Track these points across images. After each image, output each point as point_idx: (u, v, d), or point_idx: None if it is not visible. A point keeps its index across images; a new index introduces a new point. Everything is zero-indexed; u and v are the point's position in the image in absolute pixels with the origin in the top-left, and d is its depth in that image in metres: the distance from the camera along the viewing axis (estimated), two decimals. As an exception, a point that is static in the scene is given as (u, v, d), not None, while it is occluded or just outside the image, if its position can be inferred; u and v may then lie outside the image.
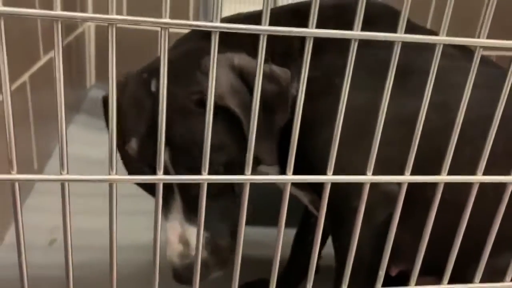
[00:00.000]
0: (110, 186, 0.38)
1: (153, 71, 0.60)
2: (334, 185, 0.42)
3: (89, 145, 1.35)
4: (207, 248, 0.57)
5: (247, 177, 0.39)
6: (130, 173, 0.60)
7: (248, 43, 0.57)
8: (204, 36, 0.57)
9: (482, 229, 0.49)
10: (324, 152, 0.41)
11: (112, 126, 0.36)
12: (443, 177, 0.43)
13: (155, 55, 0.66)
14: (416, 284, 0.50)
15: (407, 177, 0.43)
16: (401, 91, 0.43)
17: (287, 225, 0.48)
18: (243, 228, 0.41)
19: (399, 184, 0.60)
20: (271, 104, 0.57)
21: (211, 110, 0.37)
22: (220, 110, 0.55)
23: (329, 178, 0.41)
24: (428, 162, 0.46)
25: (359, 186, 0.57)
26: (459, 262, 0.48)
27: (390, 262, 0.68)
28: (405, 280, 0.79)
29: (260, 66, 0.36)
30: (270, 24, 0.35)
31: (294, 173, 0.40)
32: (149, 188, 0.61)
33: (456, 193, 0.47)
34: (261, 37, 0.35)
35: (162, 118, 0.37)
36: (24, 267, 0.40)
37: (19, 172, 0.36)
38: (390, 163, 0.47)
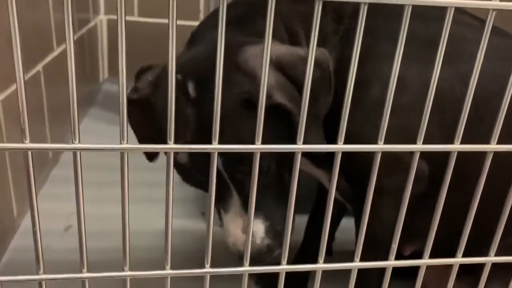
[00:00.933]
0: (122, 155, 0.38)
1: (189, 72, 0.57)
2: (363, 164, 0.43)
3: (103, 137, 1.36)
4: (269, 235, 0.61)
5: (299, 146, 0.40)
6: (186, 180, 0.62)
7: (277, 25, 0.56)
8: (230, 22, 0.57)
9: (497, 203, 0.48)
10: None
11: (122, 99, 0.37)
12: (456, 146, 0.43)
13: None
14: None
15: (419, 146, 0.42)
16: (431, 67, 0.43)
17: (299, 211, 0.49)
18: (293, 200, 0.43)
19: (426, 161, 0.60)
20: (315, 90, 0.54)
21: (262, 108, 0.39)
22: (269, 108, 0.53)
23: (340, 147, 0.41)
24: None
25: (388, 164, 0.55)
26: (472, 239, 0.48)
27: (404, 241, 0.68)
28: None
29: (313, 40, 0.36)
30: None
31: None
32: (202, 185, 0.62)
33: (472, 168, 0.46)
34: (317, 3, 0.34)
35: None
36: (39, 239, 0.40)
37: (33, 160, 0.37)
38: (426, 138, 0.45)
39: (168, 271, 0.43)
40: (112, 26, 1.72)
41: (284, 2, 0.59)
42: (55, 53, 1.18)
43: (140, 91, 0.59)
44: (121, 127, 0.37)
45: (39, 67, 1.06)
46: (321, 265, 0.46)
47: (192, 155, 0.56)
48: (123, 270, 0.42)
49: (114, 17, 1.37)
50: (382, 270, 0.49)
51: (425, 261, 0.48)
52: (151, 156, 0.66)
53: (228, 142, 0.49)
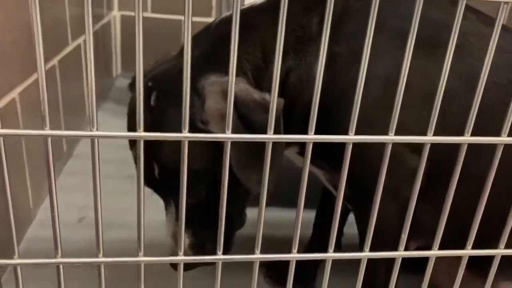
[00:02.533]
0: (139, 142, 0.39)
1: (157, 83, 0.61)
2: (362, 160, 0.43)
3: (116, 129, 1.39)
4: (192, 249, 0.65)
5: (270, 136, 0.40)
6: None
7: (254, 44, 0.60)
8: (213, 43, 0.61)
9: (507, 198, 0.49)
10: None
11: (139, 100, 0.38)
12: (467, 138, 0.43)
13: (180, 43, 0.66)
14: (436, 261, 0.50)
15: (429, 138, 0.42)
16: (429, 63, 0.43)
17: (305, 206, 0.49)
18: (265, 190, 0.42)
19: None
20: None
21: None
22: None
23: (351, 138, 0.41)
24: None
25: (389, 166, 0.58)
26: (480, 234, 0.48)
27: (409, 237, 0.68)
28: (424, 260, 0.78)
29: (276, 80, 0.36)
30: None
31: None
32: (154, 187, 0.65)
33: (481, 164, 0.46)
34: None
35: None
36: (57, 223, 0.41)
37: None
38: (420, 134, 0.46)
39: (181, 257, 0.43)
40: (125, 22, 1.74)
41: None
42: (70, 47, 1.20)
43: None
44: (138, 114, 0.39)
45: (54, 61, 1.08)
46: (331, 254, 0.46)
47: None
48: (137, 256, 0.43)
49: (128, 13, 1.41)
50: (390, 264, 0.49)
51: (435, 252, 0.48)
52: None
53: (166, 154, 0.57)
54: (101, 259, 0.43)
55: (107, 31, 1.67)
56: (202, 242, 0.65)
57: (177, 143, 0.40)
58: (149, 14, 1.72)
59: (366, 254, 0.47)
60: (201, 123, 0.57)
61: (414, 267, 0.66)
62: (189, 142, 0.39)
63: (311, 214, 0.88)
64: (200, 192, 0.61)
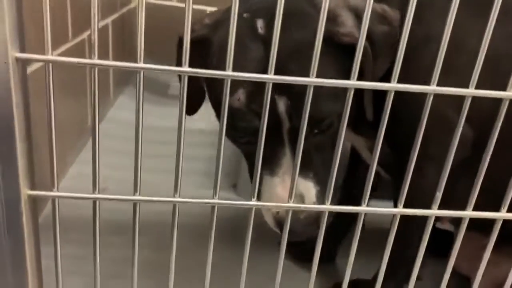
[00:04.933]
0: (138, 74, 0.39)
1: (257, 10, 0.55)
2: (410, 134, 0.43)
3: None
4: (320, 200, 0.55)
5: (352, 82, 0.41)
6: (237, 130, 0.55)
7: None
8: None
9: None
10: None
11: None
12: (509, 93, 0.43)
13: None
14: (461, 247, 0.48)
15: (471, 91, 0.42)
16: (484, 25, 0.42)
17: None
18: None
19: (472, 127, 0.59)
20: (381, 47, 0.56)
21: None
22: (345, 50, 0.52)
23: (392, 86, 0.41)
24: None
25: (434, 132, 0.57)
26: None
27: (446, 208, 0.67)
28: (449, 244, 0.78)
29: None
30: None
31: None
32: (249, 144, 0.57)
33: None
34: None
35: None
36: (97, 160, 0.42)
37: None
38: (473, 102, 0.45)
39: (177, 199, 0.43)
40: (148, 9, 1.75)
41: None
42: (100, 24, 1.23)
43: (196, 31, 0.58)
44: (185, 52, 0.39)
45: (85, 35, 1.10)
46: (364, 208, 0.46)
47: (250, 96, 0.52)
48: (173, 196, 0.43)
49: (154, 1, 1.42)
50: (422, 228, 0.48)
51: (469, 213, 0.48)
52: (190, 110, 0.65)
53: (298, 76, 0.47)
54: (137, 197, 0.43)
55: (133, 19, 1.70)
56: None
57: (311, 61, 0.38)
58: (174, 3, 1.74)
59: (399, 210, 0.47)
60: (344, 36, 0.54)
61: (440, 252, 0.66)
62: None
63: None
64: (332, 123, 0.55)
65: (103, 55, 1.30)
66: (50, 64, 0.38)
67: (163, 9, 1.71)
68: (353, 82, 0.41)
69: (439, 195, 0.47)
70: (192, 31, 0.59)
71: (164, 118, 1.23)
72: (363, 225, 0.88)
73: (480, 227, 0.51)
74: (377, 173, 0.76)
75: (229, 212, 1.01)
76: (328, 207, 0.46)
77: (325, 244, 0.84)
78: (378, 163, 0.72)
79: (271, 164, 0.55)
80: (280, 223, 0.54)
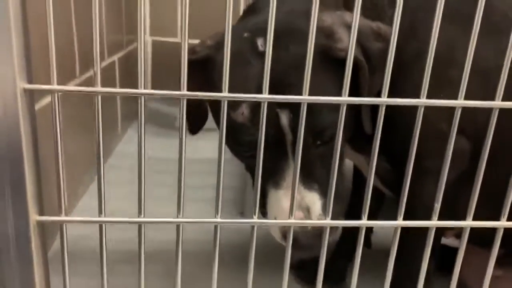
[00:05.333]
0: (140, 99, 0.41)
1: (256, 30, 0.56)
2: (405, 146, 0.45)
3: (146, 145, 1.45)
4: (325, 214, 0.53)
5: (344, 99, 0.42)
6: (241, 144, 0.56)
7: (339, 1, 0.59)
8: None
9: None
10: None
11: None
12: (497, 103, 0.44)
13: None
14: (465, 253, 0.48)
15: (460, 102, 0.44)
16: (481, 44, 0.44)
17: None
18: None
19: (468, 140, 0.61)
20: (376, 63, 0.57)
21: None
22: (342, 65, 0.51)
23: (383, 100, 0.43)
24: None
25: (430, 146, 0.58)
26: None
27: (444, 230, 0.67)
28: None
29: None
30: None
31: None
32: (247, 159, 0.59)
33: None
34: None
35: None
36: (102, 186, 0.44)
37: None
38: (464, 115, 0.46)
39: (180, 219, 0.44)
40: (156, 46, 1.82)
41: None
42: (105, 63, 1.27)
43: (198, 53, 0.59)
44: (183, 77, 0.41)
45: (92, 71, 1.14)
46: (364, 222, 0.47)
47: (254, 111, 0.53)
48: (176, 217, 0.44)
49: (158, 38, 1.46)
50: (423, 243, 0.49)
51: (469, 222, 0.48)
52: (194, 128, 0.66)
53: (297, 91, 0.46)
54: (142, 219, 0.44)
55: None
56: (334, 204, 0.54)
57: (313, 78, 0.41)
58: (178, 40, 1.79)
59: (399, 222, 0.48)
60: (341, 51, 0.55)
61: (445, 268, 0.66)
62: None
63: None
64: (333, 135, 0.54)
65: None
66: (56, 95, 0.40)
67: (167, 45, 1.77)
68: (344, 99, 0.43)
69: (437, 206, 0.47)
70: (194, 52, 0.60)
71: (170, 150, 1.25)
72: (370, 243, 0.88)
73: (487, 241, 0.51)
74: (381, 193, 0.77)
75: (237, 238, 1.01)
76: (329, 222, 0.47)
77: (335, 264, 0.85)
78: (381, 182, 0.73)
79: (275, 177, 0.55)
80: (286, 236, 0.55)
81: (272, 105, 0.53)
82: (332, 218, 0.52)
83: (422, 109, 0.44)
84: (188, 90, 0.51)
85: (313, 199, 0.55)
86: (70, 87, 0.41)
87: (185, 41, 0.40)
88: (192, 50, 0.60)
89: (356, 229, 0.82)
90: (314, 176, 0.55)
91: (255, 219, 0.45)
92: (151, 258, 0.79)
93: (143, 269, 0.45)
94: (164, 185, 1.02)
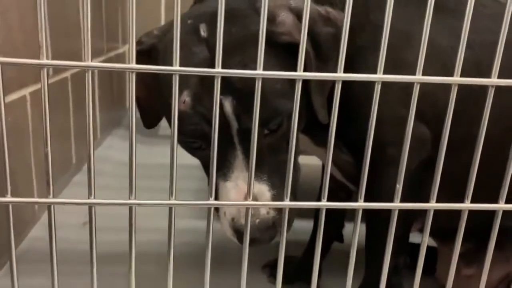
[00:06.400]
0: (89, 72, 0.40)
1: (199, 16, 0.56)
2: (365, 135, 0.43)
3: (125, 152, 1.43)
4: (274, 208, 0.53)
5: (300, 74, 0.41)
6: (184, 133, 0.54)
7: None
8: None
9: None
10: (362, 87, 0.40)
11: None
12: (456, 79, 0.43)
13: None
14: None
15: (417, 77, 0.43)
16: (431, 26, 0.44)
17: (305, 216, 0.45)
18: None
19: (429, 127, 0.61)
20: (326, 49, 0.56)
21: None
22: (285, 50, 0.53)
23: (340, 75, 0.42)
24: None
25: (392, 133, 0.58)
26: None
27: (415, 215, 0.66)
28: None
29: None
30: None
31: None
32: (194, 151, 0.58)
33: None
34: None
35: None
36: (92, 165, 0.42)
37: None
38: (421, 101, 0.46)
39: (172, 201, 0.43)
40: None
41: None
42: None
43: (144, 43, 0.59)
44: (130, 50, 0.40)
45: (67, 73, 1.13)
46: (325, 203, 0.46)
47: (196, 98, 0.53)
48: (168, 199, 0.43)
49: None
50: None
51: (432, 204, 0.47)
52: (149, 124, 0.66)
53: (243, 80, 0.47)
54: (132, 201, 0.43)
55: (122, 62, 1.74)
56: (283, 197, 0.52)
57: (254, 61, 0.39)
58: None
59: (360, 204, 0.46)
60: (283, 35, 0.54)
61: (424, 270, 0.65)
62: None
63: (311, 223, 0.88)
64: (281, 123, 0.55)
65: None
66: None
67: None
68: (300, 73, 0.42)
69: (399, 187, 0.46)
70: (141, 43, 0.59)
71: (154, 156, 1.24)
72: (342, 238, 0.87)
73: (451, 234, 0.50)
74: (347, 189, 0.76)
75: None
76: (288, 203, 0.46)
77: (309, 264, 0.83)
78: (342, 175, 0.72)
79: (223, 168, 0.54)
80: (237, 231, 0.53)
81: (210, 93, 0.52)
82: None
83: (379, 86, 0.43)
84: (137, 79, 0.50)
85: (262, 190, 0.53)
86: (60, 61, 0.40)
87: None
88: (138, 40, 0.59)
89: (328, 226, 0.81)
90: (263, 166, 0.54)
91: (212, 201, 0.44)
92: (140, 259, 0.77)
93: (133, 255, 0.44)
94: (150, 190, 1.00)
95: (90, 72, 0.41)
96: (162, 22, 1.79)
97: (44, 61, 0.40)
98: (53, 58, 1.06)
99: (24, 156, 0.91)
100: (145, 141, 1.57)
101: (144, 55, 0.57)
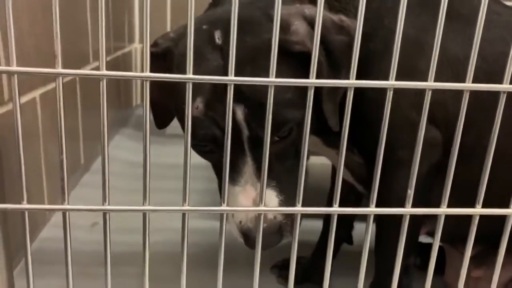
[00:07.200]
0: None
1: (215, 22, 0.56)
2: (377, 138, 0.43)
3: (132, 151, 1.44)
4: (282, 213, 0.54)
5: (312, 81, 0.41)
6: (196, 138, 0.55)
7: None
8: None
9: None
10: (375, 93, 0.40)
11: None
12: (468, 85, 0.43)
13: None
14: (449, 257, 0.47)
15: (429, 84, 0.43)
16: (445, 33, 0.44)
17: (313, 216, 0.46)
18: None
19: (440, 131, 0.61)
20: (339, 57, 0.56)
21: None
22: (298, 59, 0.53)
23: (352, 82, 0.42)
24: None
25: (403, 137, 0.59)
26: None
27: (423, 220, 0.66)
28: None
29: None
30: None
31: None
32: (212, 153, 0.58)
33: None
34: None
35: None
36: (107, 171, 0.43)
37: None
38: (432, 105, 0.46)
39: (186, 208, 0.44)
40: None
41: None
42: (91, 65, 1.27)
43: (160, 45, 0.59)
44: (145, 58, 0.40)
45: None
46: (336, 209, 0.46)
47: (208, 105, 0.53)
48: (182, 205, 0.44)
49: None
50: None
51: (444, 210, 0.47)
52: (161, 124, 0.67)
53: (255, 88, 0.48)
54: (146, 207, 0.43)
55: (128, 61, 1.75)
56: (290, 202, 0.54)
57: (267, 72, 0.39)
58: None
59: (371, 209, 0.47)
60: (296, 44, 0.54)
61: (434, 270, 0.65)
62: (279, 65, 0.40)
63: (319, 223, 0.88)
64: (291, 130, 0.55)
65: (97, 96, 1.33)
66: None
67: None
68: (312, 81, 0.42)
69: (410, 193, 0.46)
70: (156, 45, 0.60)
71: (162, 156, 1.25)
72: (351, 240, 0.87)
73: (461, 238, 0.50)
74: (356, 191, 0.76)
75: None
76: (300, 209, 0.46)
77: (318, 265, 0.83)
78: (352, 176, 0.72)
79: (232, 173, 0.55)
80: (244, 234, 0.54)
81: (226, 100, 0.52)
82: (290, 221, 0.53)
83: (391, 92, 0.43)
84: (151, 82, 0.50)
85: (270, 196, 0.54)
86: (76, 70, 0.40)
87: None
88: (154, 42, 0.60)
89: (338, 228, 0.81)
90: (271, 173, 0.54)
91: (224, 207, 0.44)
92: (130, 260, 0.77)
93: (147, 259, 0.44)
94: (157, 191, 1.01)
95: (104, 81, 0.41)
96: (168, 22, 1.79)
97: (60, 70, 0.40)
98: (62, 60, 1.07)
99: (35, 158, 0.92)
100: (152, 140, 1.56)
101: (159, 58, 0.58)
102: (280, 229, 0.55)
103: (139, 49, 1.83)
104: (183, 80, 0.42)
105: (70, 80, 1.11)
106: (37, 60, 0.87)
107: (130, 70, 1.79)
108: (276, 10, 0.40)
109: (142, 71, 0.42)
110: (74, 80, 1.13)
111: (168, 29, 1.88)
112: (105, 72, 0.41)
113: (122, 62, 1.65)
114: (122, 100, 1.68)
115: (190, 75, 0.41)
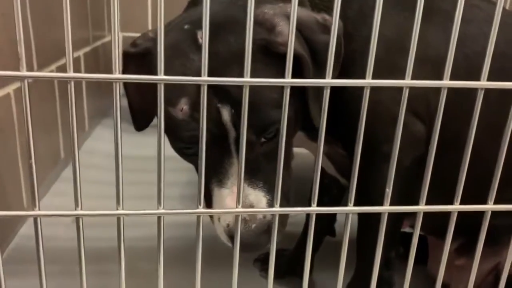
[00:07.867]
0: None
1: (197, 22, 0.55)
2: (364, 132, 0.43)
3: (112, 142, 1.42)
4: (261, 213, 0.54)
5: (288, 80, 0.41)
6: (179, 140, 0.54)
7: None
8: None
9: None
10: (358, 89, 0.40)
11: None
12: (446, 82, 0.43)
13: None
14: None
15: (407, 82, 0.43)
16: (426, 29, 0.43)
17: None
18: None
19: (424, 124, 0.61)
20: (324, 57, 0.53)
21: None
22: (284, 60, 0.52)
23: (329, 81, 0.42)
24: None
25: (388, 131, 0.56)
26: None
27: (405, 215, 0.67)
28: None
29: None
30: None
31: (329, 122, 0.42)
32: (190, 157, 0.58)
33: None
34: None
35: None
36: (78, 177, 0.41)
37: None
38: (414, 100, 0.45)
39: (161, 211, 0.43)
40: (126, 42, 1.77)
41: None
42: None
43: (139, 45, 0.58)
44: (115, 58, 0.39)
45: (53, 66, 1.11)
46: (314, 208, 0.46)
47: (193, 107, 0.52)
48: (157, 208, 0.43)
49: (129, 34, 1.43)
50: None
51: (422, 207, 0.47)
52: (140, 127, 0.65)
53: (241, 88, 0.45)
54: (120, 211, 0.42)
55: (108, 52, 1.71)
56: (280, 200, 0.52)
57: (253, 71, 0.39)
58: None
59: (350, 208, 0.46)
60: (281, 45, 0.53)
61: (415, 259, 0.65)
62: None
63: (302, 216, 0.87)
64: (277, 129, 0.54)
65: (77, 87, 1.30)
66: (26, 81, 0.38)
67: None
68: (287, 80, 0.41)
69: (389, 191, 0.46)
70: (135, 45, 0.59)
71: (143, 148, 1.23)
72: (334, 232, 0.88)
73: (443, 230, 0.50)
74: (339, 184, 0.76)
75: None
76: (278, 209, 0.45)
77: (301, 258, 0.83)
78: (335, 170, 0.72)
79: (219, 175, 0.54)
80: (232, 237, 0.53)
81: (213, 101, 0.52)
82: (280, 216, 0.51)
83: (368, 91, 0.42)
84: (130, 83, 0.48)
85: (258, 197, 0.54)
86: (41, 73, 0.39)
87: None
88: (133, 42, 0.58)
89: (320, 221, 0.81)
90: (258, 173, 0.54)
91: (201, 209, 0.44)
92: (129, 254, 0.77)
93: (123, 266, 0.44)
94: (137, 184, 1.00)
95: (72, 83, 0.40)
96: (149, 12, 1.76)
97: (25, 73, 0.39)
98: (36, 51, 1.05)
99: (11, 154, 0.90)
100: (133, 131, 1.56)
101: (138, 58, 0.57)
102: (269, 228, 0.54)
103: (121, 38, 1.80)
104: (154, 82, 0.40)
105: (48, 72, 1.09)
106: (11, 54, 0.84)
107: (110, 61, 1.75)
108: (249, 10, 0.39)
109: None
110: (52, 71, 1.11)
111: (150, 16, 1.84)
112: (71, 74, 0.40)
113: (102, 53, 1.62)
114: (103, 90, 1.65)
115: (162, 76, 0.40)
